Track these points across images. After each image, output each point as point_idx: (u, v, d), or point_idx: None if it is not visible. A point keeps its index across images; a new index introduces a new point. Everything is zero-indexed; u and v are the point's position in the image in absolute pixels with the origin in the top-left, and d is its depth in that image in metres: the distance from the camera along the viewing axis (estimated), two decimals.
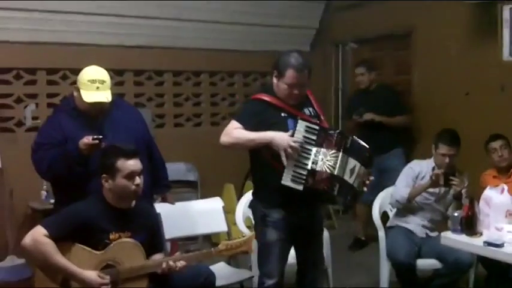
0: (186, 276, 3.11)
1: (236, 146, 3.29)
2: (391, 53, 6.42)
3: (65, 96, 5.28)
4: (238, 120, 3.29)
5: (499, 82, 5.01)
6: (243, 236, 3.22)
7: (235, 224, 4.21)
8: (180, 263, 3.05)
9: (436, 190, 4.16)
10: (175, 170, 5.58)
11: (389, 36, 6.25)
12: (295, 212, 3.33)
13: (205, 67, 6.38)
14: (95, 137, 3.23)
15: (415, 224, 4.22)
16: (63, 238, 2.91)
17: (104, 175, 3.06)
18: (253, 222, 4.20)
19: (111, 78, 3.58)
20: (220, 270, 3.87)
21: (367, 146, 3.27)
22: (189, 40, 6.09)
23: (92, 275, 2.91)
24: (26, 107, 5.42)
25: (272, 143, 3.16)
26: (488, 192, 3.53)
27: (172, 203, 3.94)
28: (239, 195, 5.86)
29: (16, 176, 5.20)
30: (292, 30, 6.66)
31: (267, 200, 3.36)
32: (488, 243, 3.21)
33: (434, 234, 4.20)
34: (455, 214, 3.51)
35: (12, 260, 4.99)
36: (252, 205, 3.56)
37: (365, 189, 3.30)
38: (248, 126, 3.25)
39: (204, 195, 5.55)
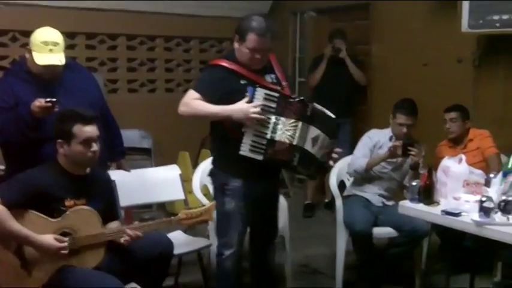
0: (144, 244, 3.04)
1: (195, 117, 3.22)
2: (350, 23, 6.36)
3: (14, 59, 5.09)
4: (196, 90, 3.21)
5: (457, 54, 5.03)
6: (203, 205, 3.14)
7: (190, 192, 4.14)
8: (136, 233, 2.98)
9: (394, 159, 4.16)
10: (129, 136, 5.44)
11: (349, 7, 6.21)
12: (255, 181, 3.27)
13: (160, 32, 6.23)
14: (48, 99, 3.12)
15: (372, 193, 4.22)
16: (17, 205, 2.80)
17: (60, 140, 2.95)
18: (211, 191, 4.16)
19: None
20: (178, 238, 3.79)
21: (333, 116, 3.22)
22: (143, 3, 5.91)
23: (48, 238, 2.81)
24: None
25: (232, 117, 3.10)
26: (447, 162, 3.55)
27: (127, 170, 3.84)
28: (194, 163, 5.79)
29: None
30: None
31: (226, 169, 3.30)
32: (447, 212, 3.21)
33: (390, 203, 4.23)
34: (414, 183, 3.51)
35: None
36: (211, 173, 3.49)
37: (331, 163, 3.28)
38: (206, 96, 3.16)
39: (159, 163, 5.45)
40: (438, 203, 3.40)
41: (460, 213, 3.18)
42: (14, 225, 2.77)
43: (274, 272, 3.65)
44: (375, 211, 4.14)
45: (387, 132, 4.25)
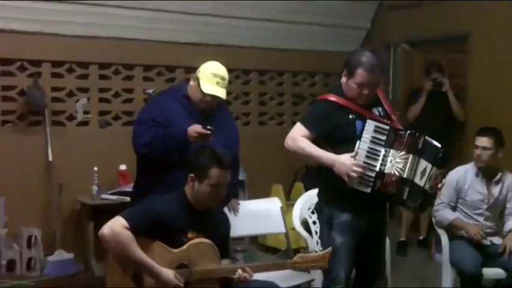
0: None
1: (297, 155, 3.24)
2: (445, 56, 6.24)
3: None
4: (304, 124, 3.23)
5: None
6: (320, 250, 3.09)
7: None
8: (249, 274, 2.96)
9: (485, 200, 4.09)
10: None
11: (444, 39, 6.09)
12: (363, 216, 3.22)
13: (255, 65, 6.30)
14: (208, 127, 3.27)
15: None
16: (141, 232, 2.86)
17: (192, 175, 3.01)
18: (311, 225, 4.11)
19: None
20: (279, 272, 3.77)
21: (440, 146, 3.16)
22: (239, 38, 6.02)
23: (169, 273, 2.85)
24: (77, 101, 5.39)
25: (334, 168, 3.09)
26: None
27: (236, 211, 3.88)
28: (287, 197, 5.79)
29: (66, 169, 5.20)
30: (343, 30, 6.55)
31: (333, 203, 3.26)
32: None
33: (498, 240, 4.07)
34: None
35: (60, 254, 5.00)
36: (317, 207, 3.46)
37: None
38: (314, 131, 3.19)
39: (251, 196, 5.49)
40: None
41: None
42: (139, 253, 2.83)
43: None
44: (483, 250, 3.99)
45: (471, 167, 4.15)
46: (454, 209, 4.17)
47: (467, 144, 5.79)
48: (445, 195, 4.10)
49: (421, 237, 5.93)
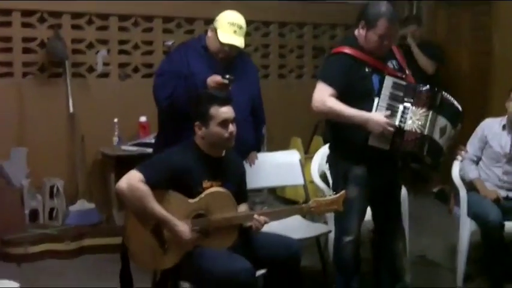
0: (273, 245, 3.04)
1: (328, 116, 3.23)
2: (470, 10, 6.09)
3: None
4: (326, 81, 3.17)
5: None
6: (334, 194, 3.08)
7: None
8: (265, 219, 2.99)
9: (506, 154, 4.02)
10: None
11: None
12: (377, 169, 3.23)
13: (274, 17, 6.21)
14: (227, 76, 3.30)
15: (496, 186, 4.04)
16: (158, 185, 2.88)
17: (197, 122, 3.01)
18: (329, 178, 4.11)
19: None
20: (296, 223, 3.82)
21: (459, 106, 3.16)
22: None
23: (185, 228, 2.88)
24: (97, 52, 5.39)
25: (367, 126, 3.07)
26: None
27: (252, 163, 3.87)
28: (306, 150, 5.80)
29: (87, 121, 5.24)
30: None
31: (349, 157, 3.26)
32: None
33: None
34: None
35: (82, 204, 5.08)
36: (331, 161, 3.47)
37: (459, 158, 3.30)
38: (336, 86, 3.14)
39: (270, 148, 5.50)
40: None
41: None
42: (156, 206, 2.85)
43: (398, 264, 3.52)
44: (500, 205, 3.93)
45: (501, 120, 4.10)
46: (477, 162, 4.13)
47: (491, 98, 5.74)
48: (471, 145, 4.12)
49: (434, 190, 5.94)
